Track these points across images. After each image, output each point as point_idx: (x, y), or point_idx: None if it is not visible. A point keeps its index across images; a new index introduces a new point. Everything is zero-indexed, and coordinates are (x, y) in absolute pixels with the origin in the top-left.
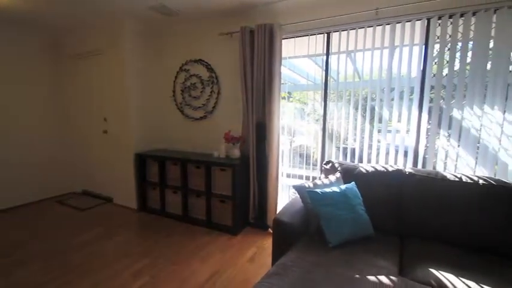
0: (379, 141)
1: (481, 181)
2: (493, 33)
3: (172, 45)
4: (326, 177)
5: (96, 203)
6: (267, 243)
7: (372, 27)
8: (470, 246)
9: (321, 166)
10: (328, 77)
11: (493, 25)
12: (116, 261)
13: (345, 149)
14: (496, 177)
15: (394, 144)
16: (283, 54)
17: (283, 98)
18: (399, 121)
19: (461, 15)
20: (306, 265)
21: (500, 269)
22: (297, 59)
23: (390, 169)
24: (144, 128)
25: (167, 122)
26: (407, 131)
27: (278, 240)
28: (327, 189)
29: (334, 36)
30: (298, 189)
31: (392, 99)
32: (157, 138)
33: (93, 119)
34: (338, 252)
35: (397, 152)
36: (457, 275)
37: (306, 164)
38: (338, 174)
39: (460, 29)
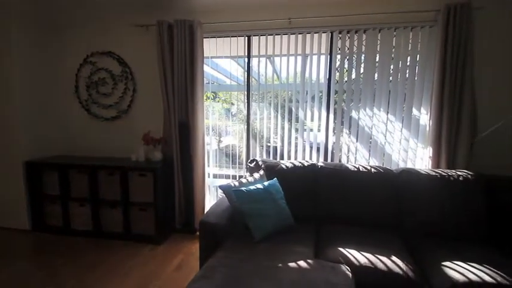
0: (297, 139)
1: (373, 170)
2: (378, 48)
3: (74, 33)
4: (251, 175)
5: None
6: (195, 247)
7: (287, 35)
8: (370, 224)
9: (247, 165)
10: (251, 79)
11: (378, 42)
12: None
13: (268, 147)
14: (384, 166)
15: (308, 141)
16: (206, 54)
17: (209, 97)
18: (312, 121)
19: (356, 32)
20: (232, 263)
21: (398, 242)
22: (221, 59)
23: (306, 164)
24: (36, 130)
25: (70, 122)
26: (319, 130)
27: (205, 243)
28: (252, 187)
29: (255, 39)
30: (225, 189)
31: (306, 102)
32: (58, 143)
33: None
34: (263, 245)
35: (311, 148)
36: (359, 250)
37: (233, 164)
38: (262, 172)
39: (356, 43)
